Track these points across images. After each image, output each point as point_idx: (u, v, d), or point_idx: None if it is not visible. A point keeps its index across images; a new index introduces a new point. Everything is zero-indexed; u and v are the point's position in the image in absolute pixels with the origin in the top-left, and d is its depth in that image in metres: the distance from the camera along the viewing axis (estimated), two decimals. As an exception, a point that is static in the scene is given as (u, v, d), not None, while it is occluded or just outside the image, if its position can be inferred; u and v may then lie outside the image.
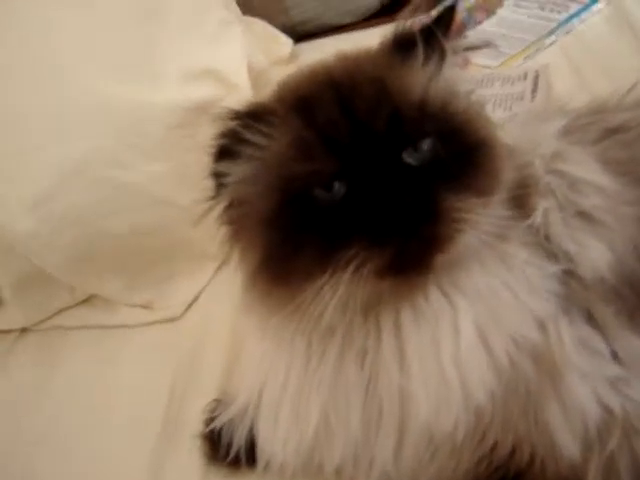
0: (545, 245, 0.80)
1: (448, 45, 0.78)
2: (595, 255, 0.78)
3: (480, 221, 0.73)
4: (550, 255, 0.80)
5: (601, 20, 1.68)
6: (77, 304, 1.38)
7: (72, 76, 1.26)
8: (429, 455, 0.80)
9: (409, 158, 0.72)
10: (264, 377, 0.85)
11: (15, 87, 1.24)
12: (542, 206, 0.80)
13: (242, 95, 1.34)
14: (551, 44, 1.68)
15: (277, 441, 0.85)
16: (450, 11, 0.80)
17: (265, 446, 0.89)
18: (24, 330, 1.39)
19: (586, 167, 0.83)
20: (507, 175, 0.78)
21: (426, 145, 0.73)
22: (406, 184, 0.70)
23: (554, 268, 0.79)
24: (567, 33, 1.69)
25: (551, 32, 1.70)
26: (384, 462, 0.80)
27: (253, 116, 0.75)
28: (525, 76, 1.57)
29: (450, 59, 0.79)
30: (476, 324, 0.75)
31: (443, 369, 0.75)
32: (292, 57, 1.89)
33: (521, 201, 0.81)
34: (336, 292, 0.69)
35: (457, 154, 0.73)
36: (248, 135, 0.75)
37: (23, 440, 1.17)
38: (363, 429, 0.79)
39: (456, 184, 0.72)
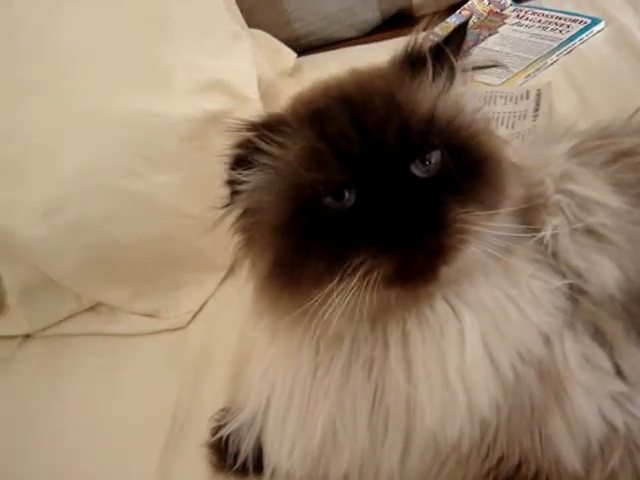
0: (552, 261, 0.82)
1: (458, 63, 0.81)
2: (604, 272, 0.80)
3: (485, 233, 0.74)
4: (557, 271, 0.81)
5: (602, 40, 1.71)
6: (83, 311, 1.38)
7: (86, 86, 1.26)
8: (436, 466, 0.81)
9: (417, 170, 0.74)
10: (271, 385, 0.86)
11: (30, 96, 1.25)
12: (551, 223, 0.82)
13: (252, 107, 1.36)
14: (552, 63, 1.70)
15: (283, 449, 0.85)
16: (461, 30, 0.82)
17: (272, 454, 0.89)
18: (27, 336, 1.39)
19: (595, 187, 0.85)
20: (514, 190, 0.80)
21: (433, 158, 0.75)
22: (413, 195, 0.71)
23: (560, 283, 0.80)
24: (568, 53, 1.72)
25: (552, 51, 1.72)
26: (390, 472, 0.81)
27: (268, 127, 0.77)
28: (527, 94, 1.59)
29: (459, 77, 0.81)
30: (481, 336, 0.77)
31: (448, 380, 0.76)
32: (295, 70, 1.91)
33: (530, 217, 0.83)
34: (343, 298, 0.71)
35: (463, 167, 0.75)
36: (263, 145, 0.77)
37: (26, 447, 1.16)
38: (369, 438, 0.80)
39: (462, 196, 0.74)
